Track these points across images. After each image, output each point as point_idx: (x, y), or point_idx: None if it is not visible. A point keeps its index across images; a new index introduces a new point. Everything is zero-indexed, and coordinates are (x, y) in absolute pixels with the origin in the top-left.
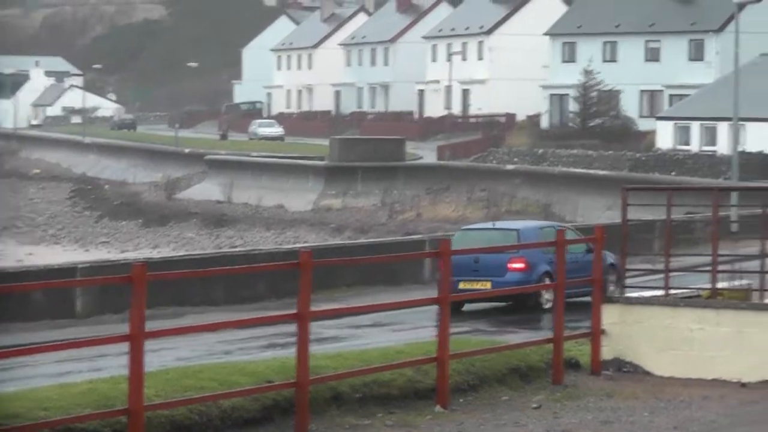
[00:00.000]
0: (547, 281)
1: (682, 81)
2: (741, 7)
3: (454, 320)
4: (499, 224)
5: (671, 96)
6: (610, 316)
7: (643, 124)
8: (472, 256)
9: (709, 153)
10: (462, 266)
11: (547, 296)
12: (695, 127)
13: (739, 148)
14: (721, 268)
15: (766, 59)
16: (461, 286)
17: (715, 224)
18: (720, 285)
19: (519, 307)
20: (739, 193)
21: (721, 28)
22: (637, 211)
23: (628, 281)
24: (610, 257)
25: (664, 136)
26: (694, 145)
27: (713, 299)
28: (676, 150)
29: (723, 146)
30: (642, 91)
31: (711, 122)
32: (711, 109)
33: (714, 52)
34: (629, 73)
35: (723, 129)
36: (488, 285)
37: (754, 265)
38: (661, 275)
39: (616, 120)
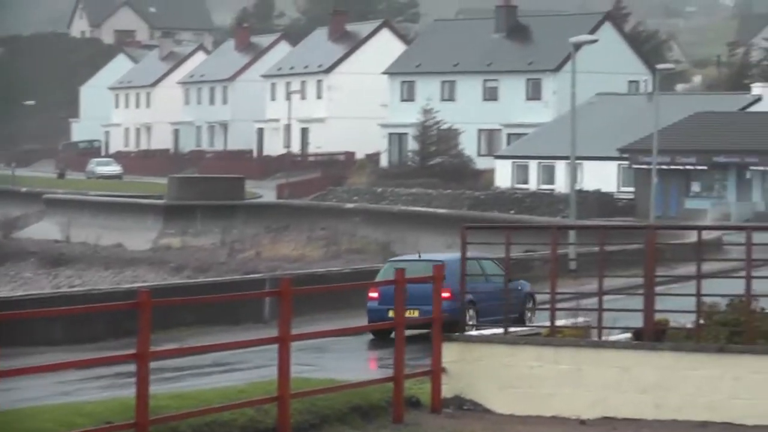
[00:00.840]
0: (471, 310)
1: (520, 120)
2: (577, 47)
3: (300, 359)
4: (425, 256)
5: (509, 135)
6: (450, 354)
7: (482, 163)
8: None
9: (547, 191)
10: (391, 296)
11: (471, 322)
12: (533, 166)
13: (577, 187)
14: (560, 305)
15: (602, 98)
16: (390, 314)
17: (554, 262)
18: (559, 322)
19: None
20: (576, 231)
21: (557, 68)
22: (476, 250)
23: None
24: (527, 286)
25: (503, 175)
26: (533, 184)
27: (552, 337)
28: (515, 188)
29: (561, 184)
30: (480, 129)
31: (549, 161)
32: (548, 147)
33: (551, 91)
34: (468, 112)
35: (560, 167)
36: (416, 313)
37: (593, 302)
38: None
39: (455, 159)
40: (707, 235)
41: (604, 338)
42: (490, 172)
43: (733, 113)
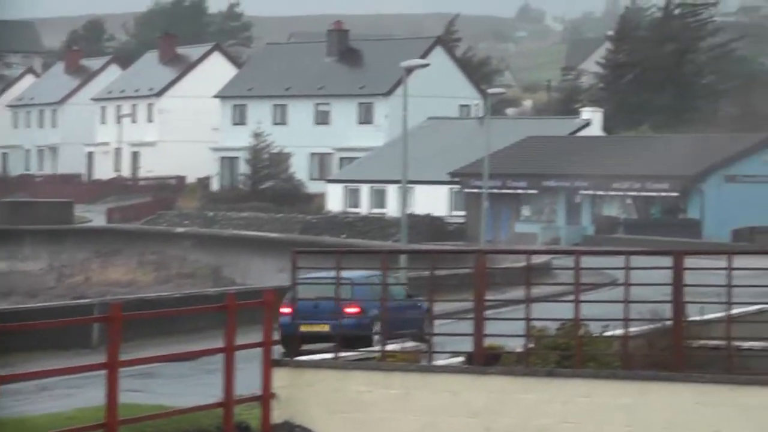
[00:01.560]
0: (378, 324)
1: (351, 144)
2: (409, 71)
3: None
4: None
5: (341, 159)
6: (280, 379)
7: (314, 187)
8: (312, 302)
9: (379, 215)
10: (303, 311)
11: (377, 337)
12: (365, 190)
13: (408, 211)
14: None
15: (433, 122)
16: (302, 329)
17: (384, 286)
18: (391, 347)
19: (351, 346)
20: (407, 255)
21: (389, 92)
22: (307, 274)
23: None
24: (426, 304)
25: (335, 199)
26: (364, 208)
27: (383, 361)
28: (347, 212)
29: (392, 208)
30: (312, 153)
31: (380, 185)
32: (380, 171)
33: (383, 115)
34: (299, 136)
35: (392, 191)
36: (326, 328)
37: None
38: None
39: (286, 182)
40: (537, 259)
41: (435, 362)
42: (322, 196)
43: (563, 138)
